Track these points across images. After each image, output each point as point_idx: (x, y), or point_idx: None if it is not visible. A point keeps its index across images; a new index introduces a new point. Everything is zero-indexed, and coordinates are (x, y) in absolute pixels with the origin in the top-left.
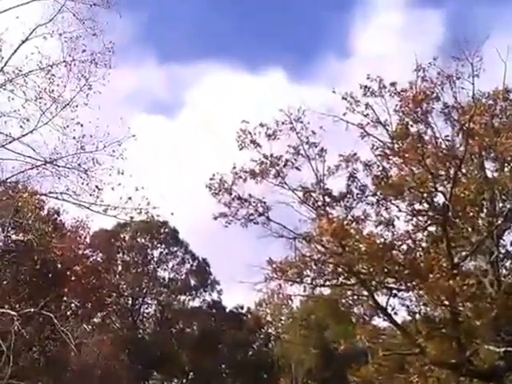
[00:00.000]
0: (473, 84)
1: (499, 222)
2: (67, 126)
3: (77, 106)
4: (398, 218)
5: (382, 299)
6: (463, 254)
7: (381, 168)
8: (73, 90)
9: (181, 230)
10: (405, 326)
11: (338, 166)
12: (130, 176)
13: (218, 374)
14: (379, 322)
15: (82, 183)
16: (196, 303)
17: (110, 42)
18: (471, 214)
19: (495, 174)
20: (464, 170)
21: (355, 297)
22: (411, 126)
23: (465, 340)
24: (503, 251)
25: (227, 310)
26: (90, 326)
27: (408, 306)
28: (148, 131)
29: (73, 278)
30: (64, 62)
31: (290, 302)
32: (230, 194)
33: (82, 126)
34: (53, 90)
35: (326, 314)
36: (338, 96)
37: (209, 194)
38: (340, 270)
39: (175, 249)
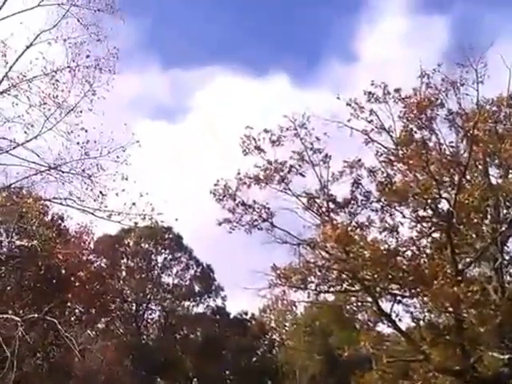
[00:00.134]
0: (477, 90)
1: (503, 228)
2: (71, 132)
3: (81, 112)
4: (403, 224)
5: (386, 306)
6: (467, 260)
7: (385, 174)
8: (77, 95)
9: (185, 235)
10: (409, 332)
11: (342, 172)
12: (134, 182)
13: (221, 380)
14: (383, 328)
15: (86, 189)
16: (200, 309)
17: (114, 48)
18: (475, 220)
19: (499, 181)
20: (468, 177)
21: (359, 303)
22: (415, 132)
23: (469, 347)
24: (507, 258)
25: (231, 316)
26: (93, 332)
27: (412, 313)
28: (152, 137)
29: (77, 284)
30: (68, 67)
31: (294, 308)
32: (234, 199)
33: (86, 131)
34: (57, 96)
35: (330, 321)
36: (343, 102)
37: (213, 200)
38: (344, 276)
39: (179, 254)
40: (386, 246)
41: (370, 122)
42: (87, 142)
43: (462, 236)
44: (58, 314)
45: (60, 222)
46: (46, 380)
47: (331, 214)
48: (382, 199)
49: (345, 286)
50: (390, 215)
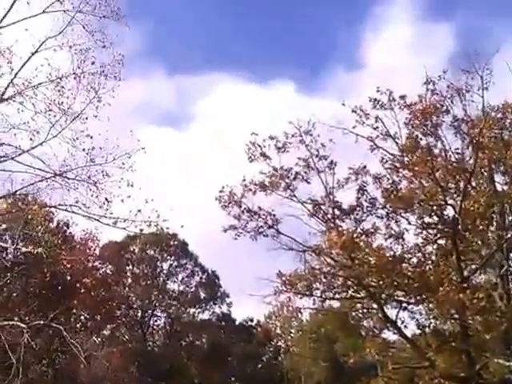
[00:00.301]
0: (482, 97)
1: (509, 235)
2: (77, 139)
3: (86, 118)
4: (408, 231)
5: (391, 312)
6: (473, 267)
7: (390, 181)
8: (82, 102)
9: (190, 242)
10: (414, 339)
11: (347, 179)
12: (140, 188)
13: None
14: (389, 335)
15: (92, 195)
16: (205, 316)
17: (119, 54)
18: (481, 227)
19: (505, 188)
20: (474, 184)
21: (365, 310)
22: (421, 139)
23: (474, 353)
24: None
25: (237, 323)
26: (99, 339)
27: (418, 320)
28: (157, 143)
29: (82, 291)
30: (74, 74)
31: (299, 314)
32: (240, 206)
33: (91, 138)
34: (62, 102)
35: (336, 327)
36: (348, 108)
37: (218, 207)
38: (349, 283)
39: (185, 261)
40: (392, 252)
41: (375, 128)
42: (92, 149)
43: (467, 243)
44: (64, 321)
45: (65, 228)
46: None
47: (337, 221)
48: (388, 206)
49: (350, 292)
50: (396, 222)
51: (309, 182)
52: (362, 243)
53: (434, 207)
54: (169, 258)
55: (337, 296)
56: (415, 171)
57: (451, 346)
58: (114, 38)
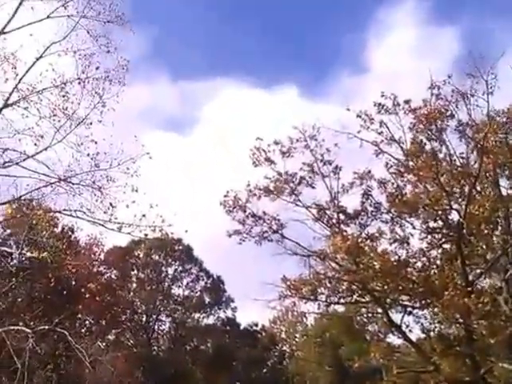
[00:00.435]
0: (487, 101)
1: None
2: (81, 144)
3: (91, 124)
4: (413, 235)
5: (396, 317)
6: (478, 271)
7: (395, 185)
8: (87, 107)
9: (195, 247)
10: (419, 343)
11: (352, 184)
12: (144, 193)
13: None
14: (394, 339)
15: (96, 200)
16: (210, 320)
17: (123, 59)
18: (486, 231)
19: (510, 192)
20: (478, 188)
21: (370, 314)
22: (425, 143)
23: (479, 358)
24: None
25: (241, 328)
26: (104, 343)
27: (422, 324)
28: (162, 148)
29: (87, 296)
30: (78, 79)
31: (304, 319)
32: (245, 211)
33: (96, 143)
34: (67, 108)
35: (341, 332)
36: (353, 113)
37: (223, 212)
38: (354, 287)
39: (189, 266)
40: (396, 257)
41: (380, 133)
42: (97, 154)
43: (472, 247)
44: (69, 326)
45: (70, 233)
46: None
47: (341, 226)
48: (392, 210)
49: (355, 297)
50: (400, 226)
51: (313, 187)
52: (366, 248)
53: (439, 212)
54: (173, 262)
55: (341, 301)
56: (420, 176)
57: (456, 350)
58: (119, 43)
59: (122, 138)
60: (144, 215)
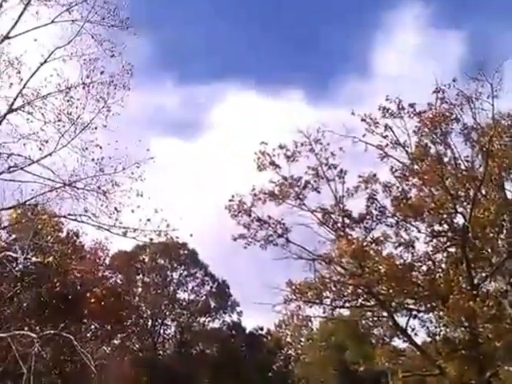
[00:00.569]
0: (492, 105)
1: None
2: (86, 148)
3: (95, 128)
4: (418, 239)
5: (401, 320)
6: (483, 275)
7: (400, 189)
8: (91, 111)
9: (201, 251)
10: (425, 347)
11: (357, 188)
12: (149, 198)
13: None
14: (399, 343)
15: (101, 205)
16: (216, 325)
17: (128, 64)
18: (491, 235)
19: None
20: (484, 191)
21: (375, 318)
22: (430, 147)
23: (485, 361)
24: None
25: (247, 332)
26: (109, 348)
27: (428, 327)
28: (167, 153)
29: (92, 300)
30: (83, 83)
31: (309, 323)
32: (250, 215)
33: (100, 148)
34: (71, 112)
35: (346, 336)
36: (357, 117)
37: (228, 216)
38: (359, 291)
39: (195, 270)
40: (402, 260)
41: (384, 137)
42: (102, 159)
43: (477, 251)
44: (74, 330)
45: (75, 238)
46: None
47: (346, 229)
48: (397, 214)
49: (360, 301)
50: (406, 230)
51: (318, 191)
52: (371, 251)
53: (444, 215)
54: (179, 267)
55: (347, 304)
56: (425, 179)
57: (461, 353)
58: (123, 48)
59: (127, 142)
60: (149, 220)
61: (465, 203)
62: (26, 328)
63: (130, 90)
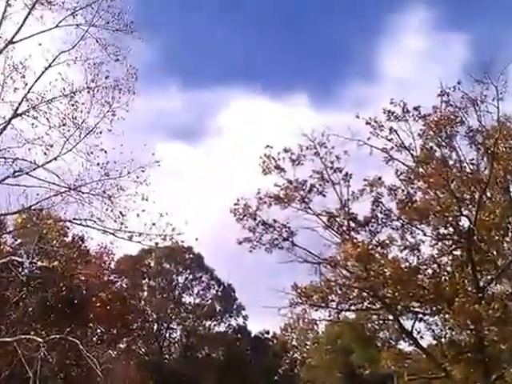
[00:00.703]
0: (497, 107)
1: None
2: (91, 153)
3: (100, 133)
4: (423, 242)
5: (407, 323)
6: (488, 277)
7: (405, 192)
8: (96, 116)
9: (206, 255)
10: (430, 350)
11: (362, 191)
12: (154, 202)
13: None
14: (405, 346)
15: (107, 209)
16: (221, 328)
17: (132, 68)
18: (496, 237)
19: None
20: (489, 194)
21: (380, 321)
22: (435, 150)
23: (490, 364)
24: None
25: (253, 335)
26: (115, 352)
27: (434, 330)
28: (172, 157)
29: (98, 304)
30: (87, 88)
31: (315, 326)
32: (255, 219)
33: (105, 152)
34: (76, 117)
35: (352, 339)
36: (362, 120)
37: (233, 219)
38: (365, 294)
39: (200, 274)
40: (407, 263)
41: (389, 140)
42: (107, 163)
43: (482, 253)
44: (80, 335)
45: (80, 242)
46: None
47: (352, 233)
48: (403, 217)
49: (366, 304)
50: (411, 233)
51: (324, 195)
52: (377, 255)
53: (450, 218)
54: (184, 271)
55: (352, 308)
56: (430, 182)
57: (467, 356)
58: (128, 52)
59: (132, 146)
60: (154, 224)
61: (470, 206)
62: (31, 332)
63: (135, 94)
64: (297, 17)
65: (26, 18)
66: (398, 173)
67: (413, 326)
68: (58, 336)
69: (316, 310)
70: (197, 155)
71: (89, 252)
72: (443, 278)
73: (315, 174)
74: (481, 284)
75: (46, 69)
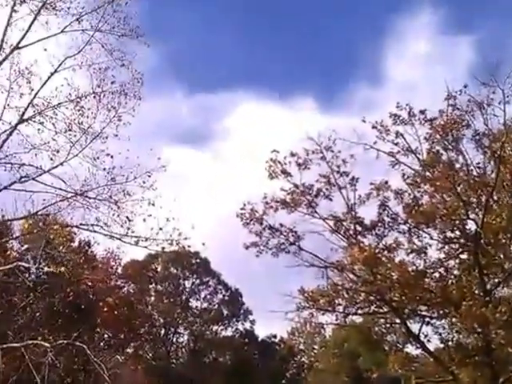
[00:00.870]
0: (504, 111)
1: None
2: (97, 158)
3: (106, 138)
4: (430, 245)
5: (414, 327)
6: (495, 281)
7: (412, 196)
8: (102, 121)
9: (213, 259)
10: (438, 353)
11: (369, 195)
12: (161, 207)
13: None
14: (412, 349)
15: (113, 214)
16: (229, 333)
17: (138, 73)
18: (503, 241)
19: None
20: (496, 197)
21: (388, 325)
22: (442, 154)
23: (498, 367)
24: None
25: (260, 340)
26: (123, 357)
27: (441, 334)
28: (178, 161)
29: (105, 309)
30: (93, 93)
31: (322, 330)
32: (261, 223)
33: (112, 157)
34: (82, 122)
35: (359, 343)
36: (368, 124)
37: (240, 224)
38: (372, 298)
39: (207, 279)
40: (414, 267)
41: (396, 144)
42: (113, 168)
43: (489, 257)
44: (87, 340)
45: (87, 247)
46: None
47: (358, 237)
48: (410, 221)
49: (373, 308)
50: (418, 237)
51: (330, 199)
52: (384, 258)
53: (456, 222)
54: (191, 276)
55: (359, 311)
56: (437, 186)
57: (474, 359)
58: (134, 57)
59: (138, 151)
60: (161, 229)
61: (477, 209)
62: (39, 338)
63: (141, 99)
64: (303, 20)
65: (32, 23)
66: (405, 176)
67: (420, 330)
68: (65, 341)
69: (323, 314)
70: (203, 159)
71: (95, 257)
72: (450, 281)
73: (322, 178)
74: (488, 287)
75: (52, 74)
